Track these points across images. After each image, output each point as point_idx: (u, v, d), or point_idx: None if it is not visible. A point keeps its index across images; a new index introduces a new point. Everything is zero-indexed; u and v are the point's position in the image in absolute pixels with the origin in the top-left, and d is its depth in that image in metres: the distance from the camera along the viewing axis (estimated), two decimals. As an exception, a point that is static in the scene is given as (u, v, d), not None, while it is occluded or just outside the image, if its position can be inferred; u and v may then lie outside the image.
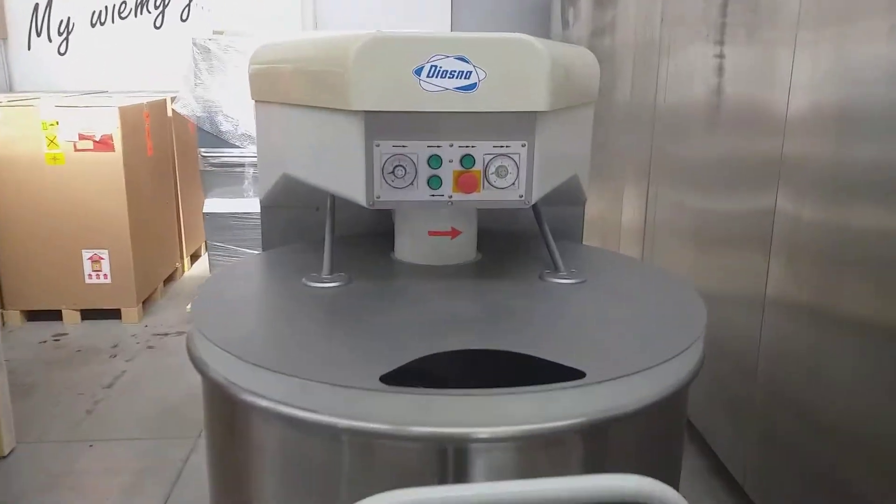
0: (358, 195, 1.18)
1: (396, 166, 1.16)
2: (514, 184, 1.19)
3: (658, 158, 2.85)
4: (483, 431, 0.89)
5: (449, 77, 1.12)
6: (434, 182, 1.17)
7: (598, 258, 1.53)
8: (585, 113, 1.50)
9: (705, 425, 2.38)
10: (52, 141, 3.34)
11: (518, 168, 1.18)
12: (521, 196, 1.20)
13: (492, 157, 1.17)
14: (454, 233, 1.39)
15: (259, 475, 1.05)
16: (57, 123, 3.33)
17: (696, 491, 2.22)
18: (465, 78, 1.12)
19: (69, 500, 2.13)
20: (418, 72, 1.11)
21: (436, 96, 1.12)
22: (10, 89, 4.91)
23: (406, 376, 0.93)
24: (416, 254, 1.41)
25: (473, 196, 1.19)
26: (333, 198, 1.42)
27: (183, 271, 4.36)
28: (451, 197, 1.19)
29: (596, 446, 0.98)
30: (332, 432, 0.92)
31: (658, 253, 2.85)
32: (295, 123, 1.35)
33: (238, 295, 1.28)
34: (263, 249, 1.62)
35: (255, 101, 1.53)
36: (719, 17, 2.27)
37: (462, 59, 1.12)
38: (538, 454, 0.94)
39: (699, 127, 2.42)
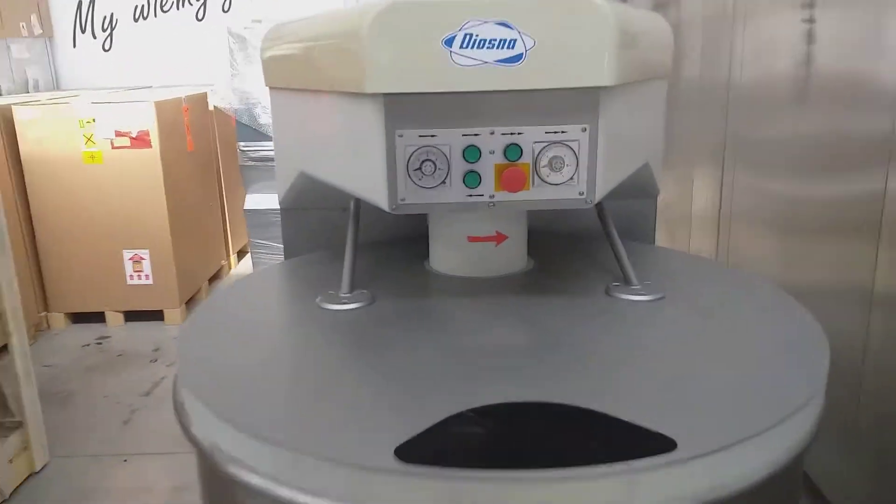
0: (379, 197, 0.96)
1: (424, 161, 0.93)
2: (572, 178, 0.95)
3: (734, 141, 2.56)
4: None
5: (488, 47, 0.89)
6: (471, 179, 0.94)
7: (676, 264, 1.28)
8: (657, 89, 1.26)
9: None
10: (89, 139, 3.24)
11: (577, 159, 0.94)
12: (581, 194, 0.96)
13: (544, 145, 0.94)
14: (499, 238, 1.16)
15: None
16: (94, 121, 3.23)
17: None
18: (508, 48, 0.89)
19: (96, 523, 2.00)
20: (449, 42, 0.88)
21: (472, 72, 0.89)
22: (57, 87, 4.88)
23: (431, 444, 0.71)
24: (453, 264, 1.19)
25: (521, 195, 0.95)
26: (358, 201, 1.21)
27: (230, 268, 4.25)
28: (492, 197, 0.96)
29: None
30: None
31: (736, 246, 2.56)
32: (309, 112, 1.14)
33: (235, 328, 1.06)
34: (286, 257, 1.42)
35: (270, 89, 1.33)
36: (808, -24, 1.97)
37: (504, 24, 0.88)
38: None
39: (785, 105, 2.12)
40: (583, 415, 0.75)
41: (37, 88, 4.75)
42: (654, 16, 1.25)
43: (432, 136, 0.93)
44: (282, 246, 1.44)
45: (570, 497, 0.66)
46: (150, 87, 4.68)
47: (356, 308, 1.05)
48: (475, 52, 0.89)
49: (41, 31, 4.70)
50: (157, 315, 3.47)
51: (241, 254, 4.47)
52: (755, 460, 0.71)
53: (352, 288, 1.09)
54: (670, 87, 3.33)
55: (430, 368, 0.88)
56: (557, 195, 0.95)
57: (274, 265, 1.33)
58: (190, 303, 3.61)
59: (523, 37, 0.88)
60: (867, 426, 1.68)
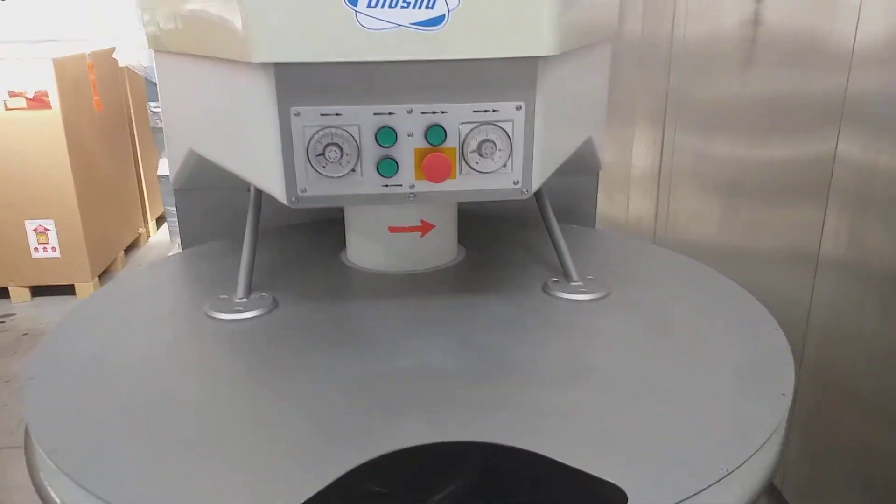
0: (275, 188, 0.79)
1: (328, 145, 0.77)
2: (505, 165, 0.80)
3: (676, 100, 2.45)
4: None
5: (402, 6, 0.72)
6: (387, 167, 0.79)
7: (619, 252, 1.16)
8: (602, 53, 1.11)
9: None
10: (-21, 99, 2.92)
11: (511, 142, 0.79)
12: (516, 183, 0.81)
13: (472, 126, 0.78)
14: (425, 228, 1.01)
15: None
16: (-17, 79, 2.90)
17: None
18: (426, 7, 0.73)
19: (-11, 533, 1.81)
20: (354, 1, 0.71)
21: (382, 37, 0.72)
22: (-52, 39, 4.42)
23: (340, 498, 0.57)
24: (372, 257, 1.04)
25: (446, 185, 0.80)
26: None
27: (147, 236, 3.98)
28: (412, 188, 0.80)
29: None
30: None
31: (676, 205, 2.48)
32: (196, 83, 0.96)
33: (103, 350, 0.86)
34: (183, 246, 1.24)
35: (154, 52, 1.13)
36: (757, -74, 1.84)
37: (421, -23, 0.72)
38: None
39: (730, 64, 2.01)
40: (514, 456, 0.61)
41: (-76, 40, 4.29)
42: (596, -31, 1.10)
43: (337, 114, 0.76)
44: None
45: None
46: (55, 41, 4.28)
47: (252, 317, 0.89)
48: (386, 13, 0.72)
49: (-75, -25, 4.23)
50: (67, 290, 3.21)
51: (160, 220, 4.19)
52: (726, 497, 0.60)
53: (248, 291, 0.93)
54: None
55: (338, 401, 0.73)
56: (489, 185, 0.81)
57: (161, 261, 1.14)
58: (104, 275, 3.36)
59: (445, -6, 0.72)
60: (806, 387, 1.63)
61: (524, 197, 0.82)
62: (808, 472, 1.68)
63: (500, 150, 0.79)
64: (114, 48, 3.61)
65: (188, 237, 1.24)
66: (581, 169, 1.25)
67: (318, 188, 0.79)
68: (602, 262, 1.07)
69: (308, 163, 0.77)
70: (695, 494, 0.57)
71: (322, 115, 0.76)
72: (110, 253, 3.44)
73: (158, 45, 1.08)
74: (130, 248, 3.74)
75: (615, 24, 1.13)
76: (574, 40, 0.82)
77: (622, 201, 3.09)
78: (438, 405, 0.72)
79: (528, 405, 0.72)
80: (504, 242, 1.15)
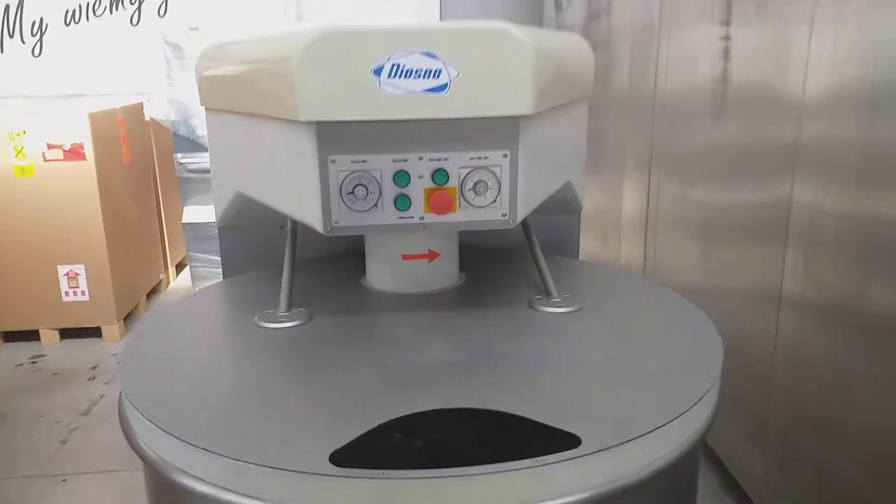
0: (314, 220, 1.00)
1: (357, 185, 0.98)
2: (495, 201, 1.01)
3: (659, 148, 2.67)
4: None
5: (415, 77, 0.94)
6: (402, 202, 0.99)
7: (594, 276, 1.36)
8: (579, 111, 1.32)
9: (716, 438, 2.21)
10: (19, 152, 3.17)
11: (500, 183, 1.00)
12: (504, 215, 1.02)
13: (469, 170, 0.99)
14: (431, 255, 1.21)
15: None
16: (24, 133, 3.15)
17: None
18: (433, 77, 0.94)
19: (34, 546, 1.97)
20: (378, 72, 0.93)
21: (400, 101, 0.94)
22: (-17, 96, 4.72)
23: (364, 449, 0.76)
24: (388, 281, 1.24)
25: (449, 217, 1.01)
26: (295, 221, 1.25)
27: (168, 282, 4.19)
28: (422, 219, 1.01)
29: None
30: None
31: (661, 252, 2.68)
32: (244, 136, 1.17)
33: (176, 344, 1.10)
34: (224, 276, 1.44)
35: (206, 109, 1.35)
36: (724, -5, 2.08)
37: (429, 54, 0.93)
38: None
39: (704, 114, 2.23)
40: (500, 418, 0.81)
41: (-38, 97, 4.59)
42: (574, 38, 1.32)
43: (363, 161, 0.97)
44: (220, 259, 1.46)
45: (486, 490, 0.72)
46: (84, 95, 4.58)
47: (293, 326, 1.09)
48: (403, 82, 0.94)
49: (-35, 39, 4.55)
50: (94, 332, 3.40)
51: (179, 267, 4.41)
52: (656, 452, 0.79)
53: (289, 306, 1.13)
54: (603, 95, 3.44)
55: (363, 382, 0.93)
56: (482, 217, 1.01)
57: (212, 285, 1.34)
58: (128, 318, 3.55)
59: (448, 67, 0.94)
60: (776, 413, 1.80)
61: (510, 226, 1.02)
62: (780, 485, 1.84)
63: (490, 188, 1.00)
64: (141, 103, 3.90)
65: (229, 270, 1.44)
66: (564, 209, 1.46)
67: (349, 220, 0.99)
68: (578, 284, 1.27)
69: (341, 199, 0.98)
70: (635, 438, 0.76)
71: (352, 161, 0.97)
72: (134, 297, 3.65)
73: (210, 103, 1.30)
74: (152, 293, 3.94)
75: (590, 84, 1.34)
76: (549, 101, 1.04)
77: (615, 244, 3.29)
78: (442, 385, 0.91)
79: (511, 384, 0.92)
80: (497, 269, 1.35)
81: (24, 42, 4.75)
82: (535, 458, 0.73)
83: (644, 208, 2.83)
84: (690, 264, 2.38)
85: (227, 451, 0.75)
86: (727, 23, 2.06)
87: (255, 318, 1.11)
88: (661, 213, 2.66)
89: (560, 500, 0.74)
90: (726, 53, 2.07)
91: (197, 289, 3.49)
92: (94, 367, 3.11)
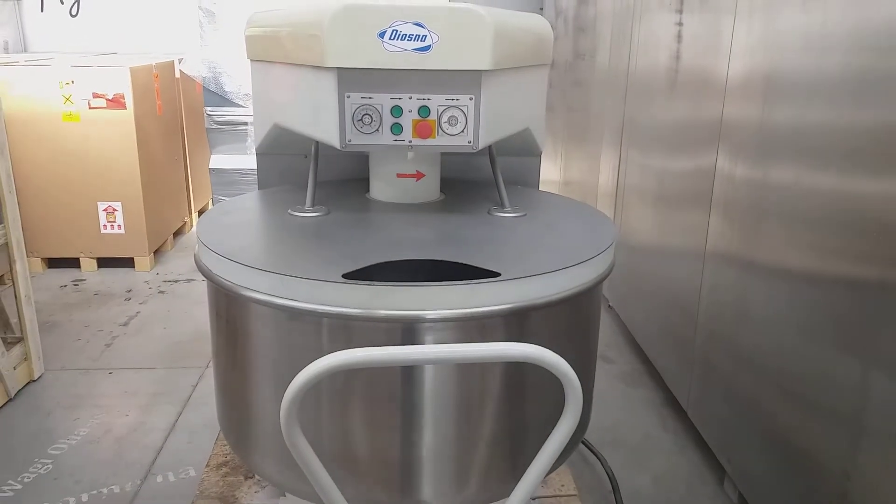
0: (333, 139, 1.41)
1: (364, 115, 1.39)
2: (463, 131, 1.42)
3: (629, 123, 3.06)
4: (427, 314, 1.16)
5: (408, 40, 1.35)
6: (396, 129, 1.41)
7: (544, 199, 1.77)
8: (537, 74, 1.72)
9: (661, 365, 2.64)
10: (67, 99, 3.58)
11: (467, 118, 1.41)
12: (469, 142, 1.43)
13: (444, 108, 1.41)
14: (419, 175, 1.63)
15: (252, 353, 1.31)
16: (72, 83, 3.57)
17: (650, 418, 2.49)
18: (421, 41, 1.35)
19: (93, 415, 2.41)
20: (382, 35, 1.34)
21: (397, 56, 1.34)
22: (25, 50, 5.13)
23: (364, 274, 1.19)
24: (386, 193, 1.66)
25: (429, 141, 1.42)
26: (317, 146, 1.66)
27: (191, 225, 4.62)
28: (410, 142, 1.42)
29: (515, 330, 1.23)
30: (307, 317, 1.19)
31: (627, 213, 3.08)
32: (282, 79, 1.58)
33: (235, 219, 1.54)
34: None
35: (251, 60, 1.76)
36: (680, -13, 2.47)
37: (419, 24, 1.34)
38: (471, 334, 1.20)
39: (661, 92, 2.62)
40: (450, 265, 1.24)
41: (6, 50, 5.00)
42: (537, 18, 1.72)
43: (370, 97, 1.39)
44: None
45: (435, 297, 1.16)
46: (116, 53, 4.98)
47: (317, 216, 1.52)
48: (399, 43, 1.35)
49: (10, -4, 4.94)
50: (127, 262, 3.84)
51: (201, 212, 4.84)
52: (557, 286, 1.23)
53: (313, 203, 1.55)
54: (590, 73, 3.84)
55: (368, 244, 1.36)
56: (453, 142, 1.43)
57: (253, 192, 1.77)
58: (157, 252, 3.99)
59: (431, 34, 1.35)
60: (700, 341, 2.22)
61: (474, 150, 1.43)
62: (701, 397, 2.26)
63: (460, 122, 1.41)
64: (172, 61, 4.30)
65: (264, 186, 1.87)
66: (527, 152, 1.87)
67: (357, 139, 1.41)
68: (528, 202, 1.69)
69: (352, 124, 1.39)
70: (538, 275, 1.19)
71: (362, 97, 1.38)
72: (163, 234, 4.08)
73: (255, 55, 1.71)
74: (177, 234, 4.38)
75: (548, 54, 1.74)
76: (507, 62, 1.44)
77: (593, 204, 3.69)
78: (416, 248, 1.35)
79: (462, 249, 1.35)
80: (470, 194, 1.77)
81: (62, 2, 5.15)
82: (467, 280, 1.15)
83: (615, 177, 3.23)
84: (646, 225, 2.79)
85: (277, 269, 1.18)
86: (680, 10, 2.45)
87: (289, 210, 1.53)
88: (627, 182, 3.06)
89: (484, 308, 1.17)
90: (679, 38, 2.46)
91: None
92: (128, 291, 3.55)
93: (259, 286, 1.20)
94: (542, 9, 5.10)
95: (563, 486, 1.88)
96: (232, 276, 1.25)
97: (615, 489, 2.03)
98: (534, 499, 1.78)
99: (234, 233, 1.44)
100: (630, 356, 2.96)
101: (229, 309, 1.33)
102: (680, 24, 2.46)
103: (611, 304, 3.33)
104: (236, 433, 1.43)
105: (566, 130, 4.24)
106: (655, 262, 2.69)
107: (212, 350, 1.50)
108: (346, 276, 1.16)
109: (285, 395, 0.95)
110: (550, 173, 4.51)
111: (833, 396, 1.52)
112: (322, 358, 0.95)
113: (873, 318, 1.39)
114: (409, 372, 1.21)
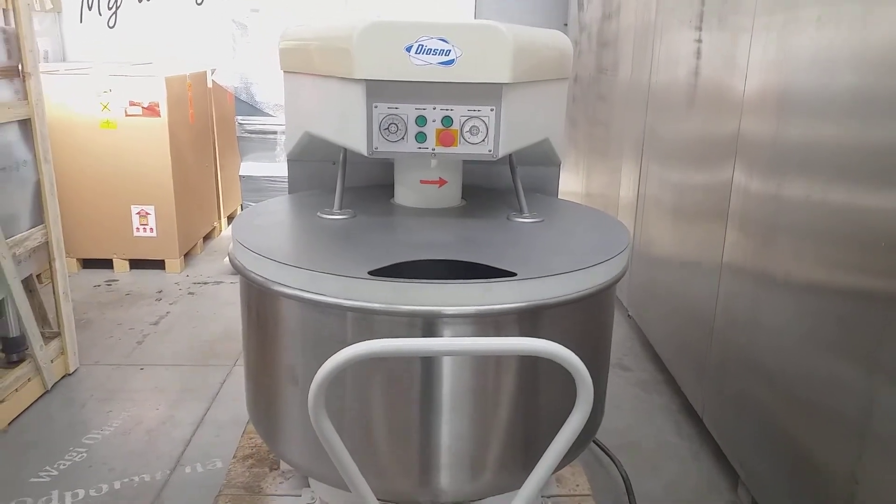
0: (360, 147, 1.50)
1: (390, 124, 1.47)
2: (484, 140, 1.50)
3: (649, 136, 3.11)
4: (446, 309, 1.23)
5: (433, 54, 1.43)
6: (420, 137, 1.49)
7: (562, 207, 1.84)
8: (557, 87, 1.80)
9: (677, 372, 2.68)
10: (105, 107, 3.72)
11: (488, 128, 1.49)
12: (489, 151, 1.51)
13: (467, 118, 1.48)
14: (441, 182, 1.71)
15: (282, 344, 1.40)
16: (110, 91, 3.71)
17: (666, 424, 2.53)
18: (445, 55, 1.43)
19: (125, 408, 2.52)
20: (408, 49, 1.42)
21: (422, 69, 1.43)
22: (64, 59, 5.31)
23: (388, 272, 1.27)
24: (410, 198, 1.74)
25: (452, 149, 1.50)
26: (345, 153, 1.75)
27: (220, 230, 4.75)
28: (433, 150, 1.50)
29: (529, 327, 1.30)
30: (333, 310, 1.27)
31: (646, 224, 3.13)
32: (314, 89, 1.67)
33: (267, 220, 1.63)
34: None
35: (284, 72, 1.85)
36: (699, 5, 2.53)
37: (443, 40, 1.43)
38: (487, 329, 1.27)
39: (680, 106, 2.68)
40: (472, 265, 1.31)
41: (46, 59, 5.18)
42: (557, 35, 1.79)
43: (396, 108, 1.47)
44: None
45: (454, 293, 1.22)
46: (151, 63, 5.14)
47: (344, 218, 1.60)
48: (425, 56, 1.43)
49: (51, 7, 5.13)
50: (158, 264, 3.97)
51: (230, 218, 4.96)
52: (571, 286, 1.30)
53: (341, 206, 1.64)
54: (611, 88, 3.92)
55: (392, 245, 1.44)
56: (475, 150, 1.50)
57: (283, 196, 1.86)
58: (187, 255, 4.12)
59: (455, 48, 1.43)
60: (716, 351, 2.27)
61: (494, 159, 1.51)
62: (715, 405, 2.31)
63: (481, 132, 1.49)
64: (205, 72, 4.44)
65: (293, 190, 1.96)
66: (546, 161, 1.94)
67: (384, 147, 1.49)
68: (546, 209, 1.76)
69: (379, 133, 1.48)
70: (564, 273, 1.26)
71: (388, 107, 1.47)
72: (193, 238, 4.20)
73: (289, 67, 1.81)
74: (207, 238, 4.50)
75: (568, 68, 1.82)
76: (527, 76, 1.52)
77: (614, 216, 3.74)
78: (437, 249, 1.42)
79: (481, 251, 1.42)
80: (492, 199, 1.84)
81: (100, 14, 5.33)
82: (484, 279, 1.23)
83: (635, 189, 3.29)
84: (667, 237, 2.84)
85: (306, 266, 1.26)
86: (700, 28, 2.51)
87: (317, 213, 1.62)
88: (648, 194, 3.12)
89: (499, 306, 1.24)
90: (698, 54, 2.52)
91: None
92: (159, 291, 3.67)
93: (290, 282, 1.29)
94: (566, 24, 5.18)
95: (577, 485, 1.93)
96: (264, 271, 1.33)
97: (629, 491, 2.08)
98: (549, 497, 1.83)
99: (267, 233, 1.53)
100: (647, 364, 3.00)
101: (261, 303, 1.41)
102: (699, 41, 2.52)
103: (630, 313, 3.37)
104: (265, 421, 1.51)
105: (589, 143, 4.31)
106: (674, 273, 2.74)
107: (242, 343, 1.58)
108: (371, 273, 1.24)
109: (314, 381, 1.02)
110: (573, 185, 4.57)
111: (842, 403, 1.56)
112: (348, 347, 1.03)
113: (881, 328, 1.43)
114: (427, 367, 1.28)
